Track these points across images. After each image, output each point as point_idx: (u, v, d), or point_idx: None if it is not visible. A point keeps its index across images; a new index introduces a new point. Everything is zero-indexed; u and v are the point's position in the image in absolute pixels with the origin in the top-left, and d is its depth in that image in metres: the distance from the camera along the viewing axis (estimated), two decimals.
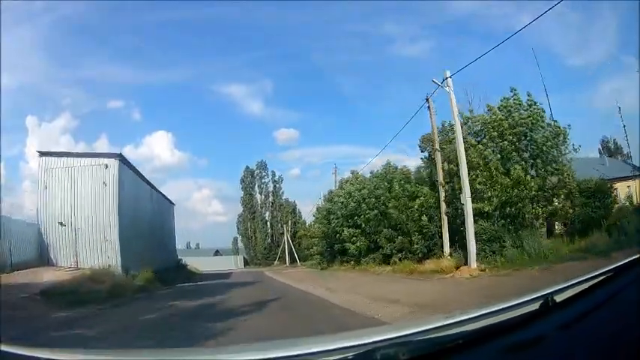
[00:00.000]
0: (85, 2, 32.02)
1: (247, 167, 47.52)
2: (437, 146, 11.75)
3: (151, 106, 52.75)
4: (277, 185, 46.93)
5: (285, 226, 45.19)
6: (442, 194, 11.17)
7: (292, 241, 42.70)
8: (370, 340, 0.88)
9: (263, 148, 75.39)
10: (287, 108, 57.94)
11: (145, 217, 16.63)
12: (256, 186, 47.43)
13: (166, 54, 48.01)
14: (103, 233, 11.92)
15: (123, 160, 13.59)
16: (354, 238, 15.79)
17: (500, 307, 0.90)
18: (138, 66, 48.59)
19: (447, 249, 10.62)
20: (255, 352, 0.96)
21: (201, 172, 62.69)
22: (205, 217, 59.09)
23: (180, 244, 42.71)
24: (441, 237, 11.18)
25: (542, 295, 0.86)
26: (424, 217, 11.95)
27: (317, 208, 26.10)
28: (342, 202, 17.25)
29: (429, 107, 11.44)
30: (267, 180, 46.76)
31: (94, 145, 48.80)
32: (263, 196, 46.97)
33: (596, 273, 0.89)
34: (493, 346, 0.82)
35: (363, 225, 15.27)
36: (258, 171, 46.74)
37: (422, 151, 17.57)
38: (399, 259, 12.54)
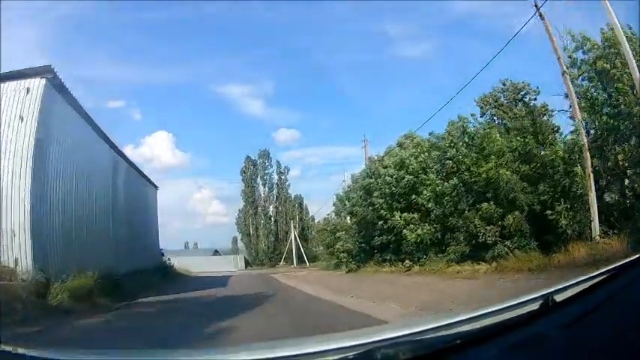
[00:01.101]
0: (85, 2, 47.60)
1: (248, 157, 61.75)
2: (564, 68, 12.06)
3: (151, 106, 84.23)
4: (282, 177, 62.75)
5: (291, 221, 57.64)
6: (584, 139, 11.44)
7: (299, 239, 54.30)
8: (370, 340, 1.46)
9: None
10: (288, 108, 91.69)
11: (99, 191, 17.16)
12: (259, 177, 62.30)
13: (167, 53, 74.44)
14: (8, 207, 10.79)
15: (55, 82, 12.46)
16: (412, 226, 16.80)
17: (500, 307, 1.45)
18: (138, 66, 75.37)
19: (596, 225, 10.74)
20: (254, 352, 1.59)
21: (202, 172, 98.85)
22: (205, 217, 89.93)
23: (177, 245, 66.66)
24: (586, 208, 11.18)
25: (542, 295, 1.40)
26: (577, 169, 11.50)
27: (338, 196, 30.33)
28: (392, 176, 18.43)
29: (541, 16, 11.76)
30: (271, 171, 62.38)
31: None
32: (267, 189, 62.47)
33: (596, 273, 1.41)
34: (493, 346, 1.34)
35: (431, 205, 16.18)
36: (260, 161, 62.26)
37: (481, 115, 19.94)
38: (509, 250, 12.42)
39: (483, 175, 13.97)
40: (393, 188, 18.32)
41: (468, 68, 62.18)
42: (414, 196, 16.98)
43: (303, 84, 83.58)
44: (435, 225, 16.18)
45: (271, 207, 62.63)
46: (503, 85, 19.41)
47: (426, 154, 17.44)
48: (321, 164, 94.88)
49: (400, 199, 18.13)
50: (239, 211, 63.09)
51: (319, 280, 20.74)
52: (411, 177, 17.47)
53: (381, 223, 19.13)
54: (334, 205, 32.98)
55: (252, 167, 61.99)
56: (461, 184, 15.04)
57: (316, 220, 55.79)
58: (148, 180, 29.64)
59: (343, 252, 24.79)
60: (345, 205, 27.63)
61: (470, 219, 14.01)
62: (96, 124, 17.15)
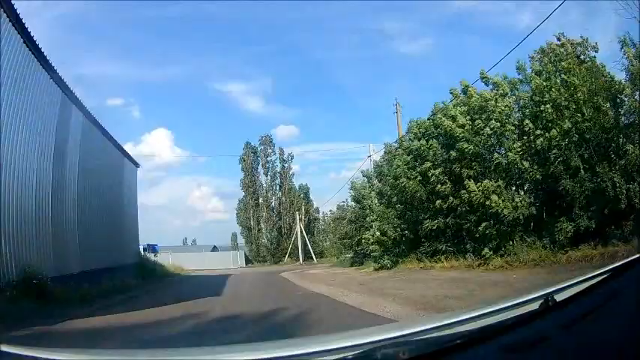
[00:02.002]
0: (83, 1, 54.04)
1: (248, 143, 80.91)
2: None
3: (150, 103, 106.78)
4: (286, 165, 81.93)
5: (297, 213, 71.47)
6: None
7: (305, 233, 66.78)
8: (370, 340, 2.17)
9: None
10: (287, 105, 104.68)
11: (33, 149, 17.33)
12: (260, 166, 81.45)
13: (165, 51, 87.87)
14: None
15: None
16: (497, 198, 16.92)
17: (500, 307, 2.14)
18: (136, 64, 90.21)
19: None
20: (255, 352, 2.33)
21: (201, 169, 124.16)
22: (205, 214, 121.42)
23: (177, 241, 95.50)
24: None
25: (542, 295, 2.05)
26: None
27: (364, 173, 33.87)
28: (462, 126, 18.90)
29: None
30: (273, 158, 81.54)
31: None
32: (269, 178, 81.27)
33: (596, 273, 2.05)
34: (493, 345, 1.99)
35: (527, 165, 16.43)
36: (262, 147, 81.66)
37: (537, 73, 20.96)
38: None
39: (611, 113, 14.42)
40: (465, 145, 18.77)
41: (467, 65, 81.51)
42: (496, 157, 17.56)
43: (302, 81, 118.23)
44: (530, 194, 16.70)
45: (274, 198, 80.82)
46: (558, 39, 21.30)
47: (513, 98, 18.11)
48: (320, 160, 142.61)
49: (472, 162, 18.86)
50: (238, 201, 79.07)
51: (355, 282, 20.58)
52: (497, 125, 17.79)
53: (439, 202, 20.08)
54: (352, 188, 35.99)
55: (252, 154, 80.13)
56: (574, 131, 15.43)
57: (322, 212, 73.46)
58: (122, 151, 31.44)
59: (374, 243, 26.41)
60: (372, 184, 30.12)
61: (603, 176, 14.34)
62: (37, 45, 17.25)
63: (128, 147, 79.31)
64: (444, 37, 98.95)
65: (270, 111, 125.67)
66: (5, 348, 2.06)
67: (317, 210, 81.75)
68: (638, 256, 2.09)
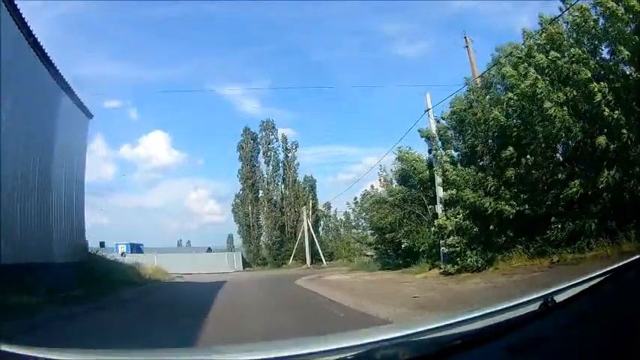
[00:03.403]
0: (81, 2, 48.58)
1: (247, 129, 79.29)
2: None
3: (148, 105, 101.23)
4: (290, 154, 79.84)
5: (304, 208, 69.39)
6: None
7: (313, 231, 65.14)
8: (370, 340, 2.38)
9: None
10: (285, 107, 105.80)
11: None
12: (260, 154, 79.44)
13: (163, 52, 75.94)
14: None
15: None
16: None
17: (500, 307, 2.35)
18: (134, 65, 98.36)
19: None
20: (255, 352, 2.55)
21: (198, 171, 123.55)
22: (201, 217, 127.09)
23: (171, 242, 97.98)
24: None
25: (542, 295, 2.26)
26: None
27: (423, 132, 25.82)
28: None
29: None
30: (275, 145, 79.31)
31: (90, 145, 70.90)
32: (270, 168, 78.96)
33: (597, 273, 2.25)
34: (493, 346, 2.18)
35: None
36: (263, 134, 79.64)
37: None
38: None
39: None
40: None
41: (467, 66, 65.83)
42: None
43: (301, 82, 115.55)
44: None
45: (276, 191, 79.15)
46: None
47: None
48: (317, 164, 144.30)
49: None
50: (235, 196, 77.46)
51: None
52: None
53: (602, 139, 14.36)
54: (400, 159, 28.87)
55: (252, 142, 78.80)
56: None
57: (334, 209, 73.14)
58: (62, 83, 24.97)
59: (451, 233, 20.18)
60: (436, 149, 23.01)
61: None
62: None
63: (125, 149, 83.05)
64: (444, 38, 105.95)
65: (269, 113, 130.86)
66: (5, 348, 2.19)
67: (328, 205, 79.03)
68: (638, 256, 2.28)
